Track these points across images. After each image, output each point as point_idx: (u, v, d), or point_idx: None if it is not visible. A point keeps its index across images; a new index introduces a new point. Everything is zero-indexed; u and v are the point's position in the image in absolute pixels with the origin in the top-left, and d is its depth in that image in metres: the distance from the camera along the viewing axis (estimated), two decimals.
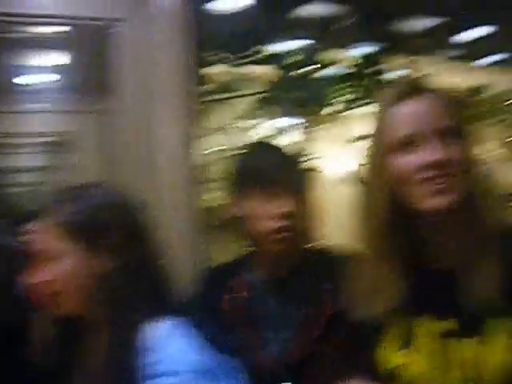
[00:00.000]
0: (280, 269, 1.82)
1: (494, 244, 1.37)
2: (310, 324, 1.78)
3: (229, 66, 3.58)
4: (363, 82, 4.03)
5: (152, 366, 1.28)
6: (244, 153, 1.92)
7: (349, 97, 4.14)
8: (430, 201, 1.35)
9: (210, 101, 3.78)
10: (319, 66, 3.82)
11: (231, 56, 3.49)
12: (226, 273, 1.90)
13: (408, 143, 1.36)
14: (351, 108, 4.21)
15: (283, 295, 1.81)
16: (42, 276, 1.40)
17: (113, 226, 1.43)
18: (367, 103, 4.21)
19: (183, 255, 2.26)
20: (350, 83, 4.04)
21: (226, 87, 3.65)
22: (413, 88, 1.41)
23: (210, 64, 3.63)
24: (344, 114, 4.19)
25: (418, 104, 1.39)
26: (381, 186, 1.40)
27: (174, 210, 2.35)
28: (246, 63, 3.60)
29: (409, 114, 1.38)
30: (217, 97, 3.76)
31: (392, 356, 1.41)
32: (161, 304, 1.42)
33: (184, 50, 2.37)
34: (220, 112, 3.89)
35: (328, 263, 1.81)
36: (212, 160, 4.19)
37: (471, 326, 1.34)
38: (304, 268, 1.83)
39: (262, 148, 1.98)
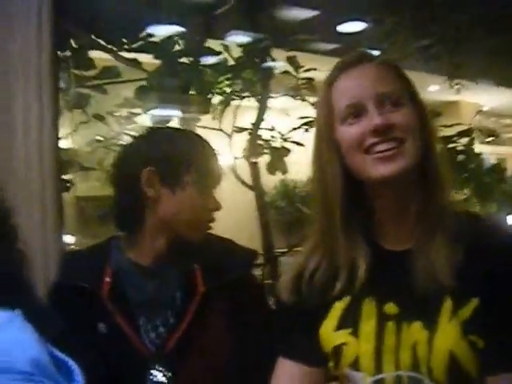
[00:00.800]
0: (152, 255, 1.82)
1: (448, 224, 1.39)
2: (183, 308, 1.78)
3: (111, 52, 3.49)
4: (245, 74, 4.05)
5: None
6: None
7: (231, 88, 4.16)
8: (379, 168, 1.36)
9: (90, 86, 3.70)
10: (201, 55, 3.79)
11: (114, 42, 3.41)
12: (94, 257, 1.86)
13: (350, 113, 1.39)
14: (232, 99, 4.23)
15: (154, 282, 1.80)
16: None
17: None
18: (248, 96, 4.27)
19: (42, 244, 2.18)
20: (231, 74, 4.05)
21: (107, 73, 3.57)
22: (352, 59, 1.45)
23: (91, 48, 3.54)
24: (225, 105, 4.20)
25: (357, 74, 1.41)
26: (331, 159, 1.41)
27: (31, 198, 2.25)
28: (129, 50, 3.54)
29: (348, 85, 1.41)
30: (97, 82, 3.67)
31: (336, 334, 1.43)
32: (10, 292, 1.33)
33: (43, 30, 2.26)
34: (101, 99, 3.81)
35: (205, 245, 1.83)
36: (91, 149, 4.11)
37: (420, 308, 1.35)
38: (176, 254, 1.82)
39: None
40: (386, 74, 1.42)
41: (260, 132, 4.23)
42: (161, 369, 1.74)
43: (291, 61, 4.40)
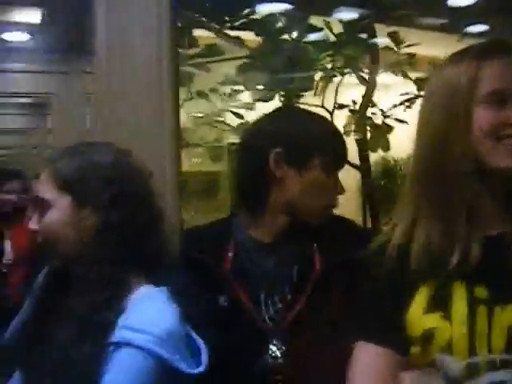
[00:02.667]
0: (273, 232, 1.83)
1: None
2: (301, 285, 1.78)
3: (213, 31, 3.54)
4: (347, 50, 4.02)
5: (124, 320, 1.42)
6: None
7: (332, 64, 4.15)
8: (505, 160, 1.35)
9: (193, 64, 3.76)
10: (303, 31, 3.79)
11: (217, 20, 3.45)
12: (217, 232, 1.89)
13: (495, 99, 1.36)
14: (334, 76, 4.22)
15: (274, 256, 1.82)
16: (35, 224, 1.52)
17: (101, 185, 1.51)
18: (350, 72, 4.24)
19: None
20: (332, 51, 4.03)
21: (210, 51, 3.62)
22: (499, 46, 1.42)
23: (194, 27, 3.59)
24: (326, 82, 4.19)
25: (507, 62, 1.39)
26: (463, 140, 1.38)
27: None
28: (231, 27, 3.57)
29: (500, 69, 1.38)
30: (200, 60, 3.73)
31: (426, 318, 1.40)
32: (150, 267, 1.54)
33: (162, 12, 2.31)
34: (203, 77, 3.87)
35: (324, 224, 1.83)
36: (195, 125, 4.19)
37: None
38: (295, 232, 1.83)
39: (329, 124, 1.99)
40: None
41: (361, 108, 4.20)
42: (279, 344, 1.76)
43: (393, 36, 4.34)
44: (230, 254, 1.81)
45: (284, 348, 1.75)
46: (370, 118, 4.21)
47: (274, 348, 1.75)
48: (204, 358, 1.50)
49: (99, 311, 1.43)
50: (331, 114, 4.16)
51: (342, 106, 4.19)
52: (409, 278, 1.42)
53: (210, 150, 4.26)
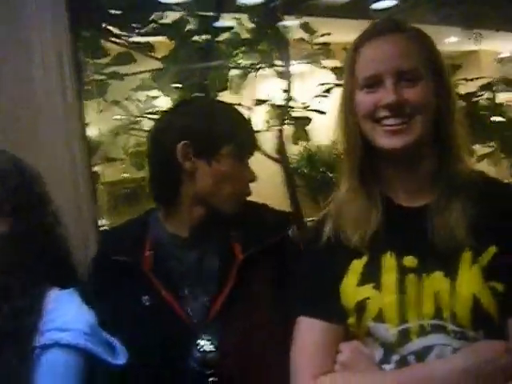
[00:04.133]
0: (189, 226, 1.82)
1: (464, 184, 1.46)
2: (223, 277, 1.77)
3: (121, 39, 3.47)
4: (260, 46, 4.00)
5: (47, 324, 1.46)
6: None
7: (246, 61, 4.12)
8: (386, 140, 1.44)
9: (106, 74, 3.69)
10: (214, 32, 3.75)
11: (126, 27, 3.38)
12: (134, 231, 1.87)
13: (369, 83, 1.45)
14: (248, 72, 4.20)
15: (194, 252, 1.80)
16: None
17: (5, 193, 1.52)
18: (264, 67, 4.22)
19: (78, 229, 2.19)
20: (245, 47, 4.01)
21: (121, 60, 3.55)
22: (380, 27, 1.49)
23: (102, 37, 3.52)
24: (242, 79, 4.16)
25: (381, 45, 1.46)
26: (350, 123, 1.49)
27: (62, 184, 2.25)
28: (142, 34, 3.51)
29: (371, 54, 1.46)
30: (113, 69, 3.66)
31: (359, 289, 1.46)
32: (61, 271, 1.58)
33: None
34: (117, 85, 3.79)
35: (240, 212, 1.83)
36: (110, 133, 4.11)
37: (439, 260, 1.41)
38: (214, 224, 1.82)
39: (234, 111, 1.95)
40: (411, 46, 1.45)
41: (280, 102, 4.20)
42: (207, 338, 1.74)
43: (304, 28, 4.34)
44: (148, 253, 1.78)
45: (213, 341, 1.74)
46: (289, 111, 4.20)
47: (203, 342, 1.74)
48: (121, 352, 1.55)
49: (21, 317, 1.45)
50: (250, 109, 4.15)
51: (261, 102, 4.18)
52: (343, 252, 1.49)
53: (132, 157, 4.19)
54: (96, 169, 3.61)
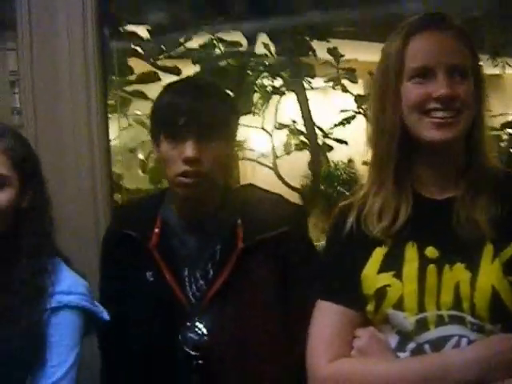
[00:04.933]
0: (194, 211, 1.82)
1: (489, 180, 1.48)
2: (222, 262, 1.78)
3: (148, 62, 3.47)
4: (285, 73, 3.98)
5: (55, 287, 1.62)
6: (161, 93, 1.87)
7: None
8: (434, 132, 1.44)
9: (130, 92, 3.69)
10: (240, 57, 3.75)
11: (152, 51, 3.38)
12: (147, 208, 1.90)
13: (420, 74, 1.44)
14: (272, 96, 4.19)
15: (198, 234, 1.82)
16: None
17: (38, 169, 1.71)
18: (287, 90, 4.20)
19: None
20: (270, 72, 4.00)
21: (146, 79, 3.55)
22: (431, 21, 1.49)
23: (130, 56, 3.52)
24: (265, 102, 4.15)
25: (434, 38, 1.46)
26: (392, 113, 1.47)
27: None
28: (166, 57, 3.50)
29: (424, 46, 1.46)
30: (137, 87, 3.66)
31: (379, 277, 1.48)
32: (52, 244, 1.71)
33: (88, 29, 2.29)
34: (139, 103, 3.80)
35: (245, 200, 1.85)
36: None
37: (462, 252, 1.43)
38: (221, 210, 1.83)
39: (180, 86, 1.91)
40: (460, 44, 1.47)
41: (301, 128, 4.18)
42: (201, 321, 1.76)
43: (332, 52, 4.33)
44: (157, 230, 1.81)
45: (209, 325, 1.76)
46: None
47: (196, 324, 1.76)
48: (104, 311, 1.70)
49: (39, 277, 1.62)
50: (270, 134, 4.15)
51: (281, 126, 4.16)
52: (365, 241, 1.50)
53: (150, 173, 4.19)
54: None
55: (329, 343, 1.49)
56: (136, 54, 3.47)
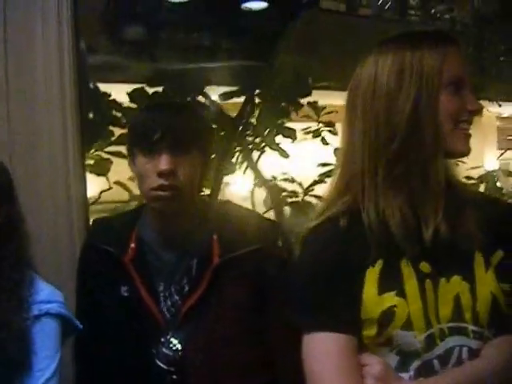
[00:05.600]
0: (170, 226, 1.86)
1: (467, 195, 1.54)
2: (197, 277, 1.81)
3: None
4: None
5: (34, 297, 1.71)
6: (137, 113, 1.98)
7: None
8: (463, 144, 1.48)
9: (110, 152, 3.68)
10: None
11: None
12: (124, 223, 1.95)
13: (455, 85, 1.47)
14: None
15: (174, 249, 1.85)
16: None
17: (12, 185, 1.77)
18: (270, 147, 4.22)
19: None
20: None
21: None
22: (445, 37, 1.52)
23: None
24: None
25: (457, 51, 1.50)
26: (429, 123, 1.44)
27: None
28: None
29: (458, 57, 1.49)
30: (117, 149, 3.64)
31: (382, 298, 1.44)
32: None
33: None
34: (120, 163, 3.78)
35: (221, 216, 1.88)
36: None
37: (454, 264, 1.47)
38: (198, 225, 1.87)
39: (154, 106, 2.03)
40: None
41: (282, 183, 4.20)
42: (175, 336, 1.78)
43: (313, 106, 4.35)
44: (133, 245, 1.85)
45: (180, 340, 1.78)
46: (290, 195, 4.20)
47: (170, 340, 1.78)
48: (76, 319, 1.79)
49: (21, 287, 1.71)
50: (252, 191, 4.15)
51: (262, 182, 4.16)
52: (356, 258, 1.45)
53: None
54: None
55: (343, 376, 1.40)
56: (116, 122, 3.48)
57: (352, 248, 1.46)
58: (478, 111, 1.48)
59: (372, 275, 1.45)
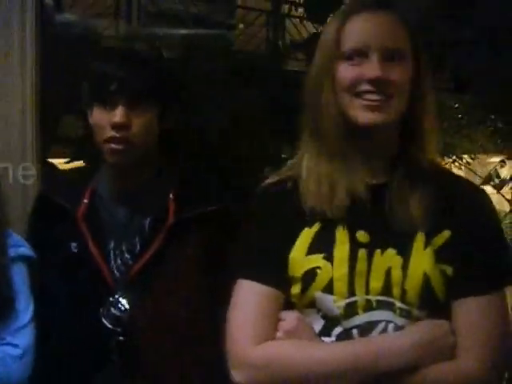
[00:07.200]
0: (125, 182, 1.80)
1: (423, 173, 1.45)
2: (150, 237, 1.75)
3: None
4: None
5: (7, 240, 1.76)
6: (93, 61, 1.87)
7: None
8: (364, 115, 1.41)
9: None
10: None
11: None
12: (80, 177, 1.91)
13: (354, 55, 1.42)
14: None
15: (128, 206, 1.79)
16: None
17: None
18: None
19: None
20: None
21: None
22: (369, 2, 1.48)
23: None
24: None
25: (371, 18, 1.45)
26: (328, 91, 1.45)
27: None
28: None
29: (360, 27, 1.44)
30: None
31: (309, 259, 1.44)
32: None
33: None
34: None
35: (180, 175, 1.84)
36: None
37: (393, 238, 1.42)
38: (154, 183, 1.81)
39: (111, 55, 1.93)
40: (396, 25, 1.45)
41: None
42: (124, 296, 1.72)
43: None
44: (85, 201, 1.80)
45: (129, 300, 1.71)
46: None
47: (119, 300, 1.71)
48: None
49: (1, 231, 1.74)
50: None
51: None
52: (294, 219, 1.47)
53: None
54: None
55: (254, 325, 1.42)
56: None
57: (293, 209, 1.47)
58: (380, 79, 1.40)
59: (306, 236, 1.45)
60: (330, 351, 1.38)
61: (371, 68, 1.40)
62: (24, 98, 2.25)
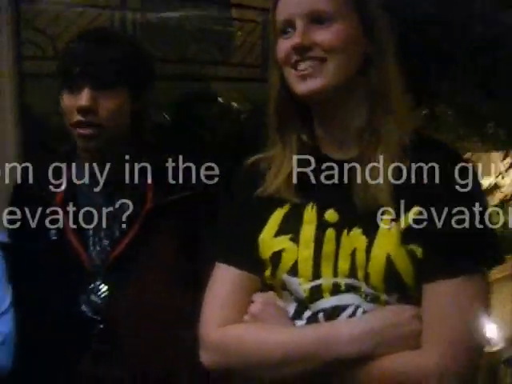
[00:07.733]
0: (102, 168, 1.76)
1: (393, 145, 1.36)
2: (129, 223, 1.74)
3: None
4: None
5: None
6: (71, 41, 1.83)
7: None
8: (298, 85, 1.37)
9: None
10: None
11: None
12: (55, 167, 1.86)
13: (285, 28, 1.40)
14: None
15: (106, 192, 1.78)
16: None
17: None
18: None
19: None
20: None
21: None
22: None
23: None
24: None
25: None
26: (274, 72, 1.45)
27: None
28: None
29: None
30: None
31: (276, 240, 1.42)
32: None
33: None
34: None
35: (158, 160, 1.81)
36: None
37: (360, 216, 1.35)
38: (131, 168, 1.78)
39: (80, 37, 1.85)
40: None
41: None
42: (103, 283, 1.72)
43: None
44: (63, 187, 1.78)
45: (108, 287, 1.71)
46: None
47: (98, 287, 1.72)
48: None
49: None
50: None
51: None
52: (266, 201, 1.45)
53: None
54: None
55: (221, 307, 1.43)
56: None
57: (266, 190, 1.45)
58: (301, 45, 1.35)
59: (276, 217, 1.43)
60: (290, 336, 1.35)
61: (294, 36, 1.37)
62: None
